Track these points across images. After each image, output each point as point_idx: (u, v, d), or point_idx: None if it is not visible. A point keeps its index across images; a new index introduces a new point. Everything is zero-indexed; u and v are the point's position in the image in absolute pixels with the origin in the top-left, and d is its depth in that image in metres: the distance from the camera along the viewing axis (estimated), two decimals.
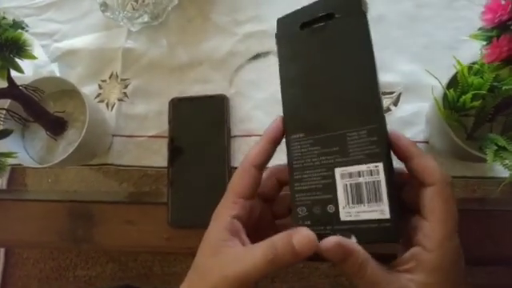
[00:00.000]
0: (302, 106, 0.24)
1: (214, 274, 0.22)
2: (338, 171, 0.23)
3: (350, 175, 0.22)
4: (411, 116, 0.40)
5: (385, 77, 0.41)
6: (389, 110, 0.41)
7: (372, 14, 0.42)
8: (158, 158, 0.42)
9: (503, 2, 0.22)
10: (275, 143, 0.25)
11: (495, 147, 0.31)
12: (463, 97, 0.32)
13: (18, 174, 0.45)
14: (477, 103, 0.31)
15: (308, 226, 0.22)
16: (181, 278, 0.24)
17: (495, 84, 0.31)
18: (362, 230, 0.21)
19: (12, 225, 0.43)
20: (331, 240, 0.21)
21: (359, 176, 0.22)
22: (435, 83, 0.34)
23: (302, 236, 0.21)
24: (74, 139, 0.38)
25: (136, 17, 0.43)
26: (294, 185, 0.24)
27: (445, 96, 0.33)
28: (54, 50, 0.47)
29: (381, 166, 0.22)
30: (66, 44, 0.47)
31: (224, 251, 0.23)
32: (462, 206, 0.37)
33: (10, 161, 0.34)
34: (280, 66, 0.26)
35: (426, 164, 0.22)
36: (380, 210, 0.21)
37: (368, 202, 0.22)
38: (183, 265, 0.68)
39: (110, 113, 0.44)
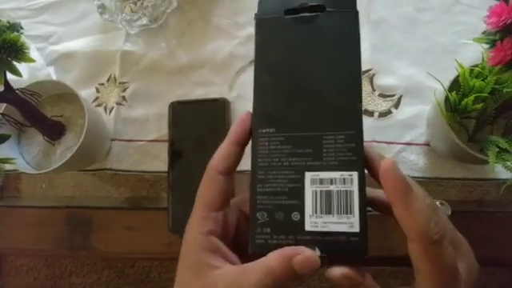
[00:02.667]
0: (275, 99, 0.22)
1: None
2: (308, 175, 0.21)
3: (321, 181, 0.21)
4: (412, 118, 0.40)
5: (385, 80, 0.41)
6: (390, 112, 0.41)
7: (373, 18, 0.43)
8: (158, 162, 0.41)
9: (508, 6, 0.22)
10: (241, 144, 0.22)
11: (497, 149, 0.31)
12: (465, 99, 0.32)
13: (11, 179, 0.44)
14: (478, 106, 0.32)
15: (267, 233, 0.21)
16: None
17: (496, 86, 0.31)
18: (328, 243, 0.20)
19: (8, 232, 0.42)
20: (338, 270, 0.19)
21: (331, 183, 0.21)
22: (436, 86, 0.34)
23: (303, 259, 0.19)
24: (72, 144, 0.37)
25: (135, 19, 0.42)
26: (256, 186, 0.21)
27: (446, 99, 0.33)
28: (50, 53, 0.46)
29: (355, 175, 0.20)
30: (63, 47, 0.46)
31: (210, 274, 0.20)
32: (460, 208, 0.38)
33: (6, 167, 0.33)
34: (256, 51, 0.23)
35: (408, 217, 0.19)
36: (349, 223, 0.20)
37: (337, 213, 0.20)
38: None
39: (108, 117, 0.43)
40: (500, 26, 0.23)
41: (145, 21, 0.43)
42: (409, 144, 0.40)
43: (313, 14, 0.23)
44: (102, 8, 0.42)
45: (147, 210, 0.41)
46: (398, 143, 0.40)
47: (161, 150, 0.41)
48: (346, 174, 0.20)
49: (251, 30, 0.44)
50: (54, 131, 0.37)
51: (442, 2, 0.43)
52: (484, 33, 0.25)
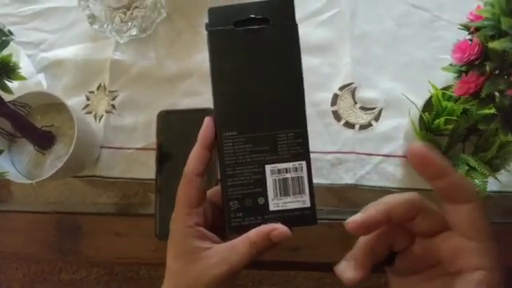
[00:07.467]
0: (234, 105, 0.26)
1: (204, 276, 0.24)
2: (268, 168, 0.26)
3: (279, 171, 0.26)
4: (391, 131, 0.42)
5: (367, 93, 0.43)
6: (370, 125, 0.42)
7: (355, 33, 0.44)
8: (146, 170, 0.42)
9: (471, 43, 0.24)
10: (211, 147, 0.26)
11: (467, 167, 0.33)
12: (437, 120, 0.34)
13: (1, 182, 0.45)
14: (450, 126, 0.34)
15: (240, 217, 0.25)
16: None
17: (467, 107, 0.33)
18: (288, 218, 0.25)
19: None
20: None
21: (286, 172, 0.26)
22: (415, 100, 0.35)
23: (279, 232, 0.24)
24: (62, 154, 0.38)
25: (124, 30, 0.43)
26: (226, 180, 0.26)
27: (421, 117, 0.35)
28: (41, 60, 0.46)
29: (304, 164, 0.26)
30: (53, 54, 0.46)
31: (203, 256, 0.25)
32: None
33: None
34: (212, 60, 0.27)
35: (461, 182, 0.21)
36: (302, 201, 0.25)
37: (293, 194, 0.25)
38: None
39: (97, 124, 0.44)
40: (464, 61, 0.24)
41: (134, 31, 0.43)
42: (388, 156, 0.41)
43: (259, 26, 0.26)
44: (92, 18, 0.43)
45: (135, 216, 0.42)
46: (378, 155, 0.42)
47: (149, 157, 0.43)
48: (297, 163, 0.26)
49: None
50: (44, 141, 0.38)
51: (421, 17, 0.44)
52: (451, 65, 0.27)
